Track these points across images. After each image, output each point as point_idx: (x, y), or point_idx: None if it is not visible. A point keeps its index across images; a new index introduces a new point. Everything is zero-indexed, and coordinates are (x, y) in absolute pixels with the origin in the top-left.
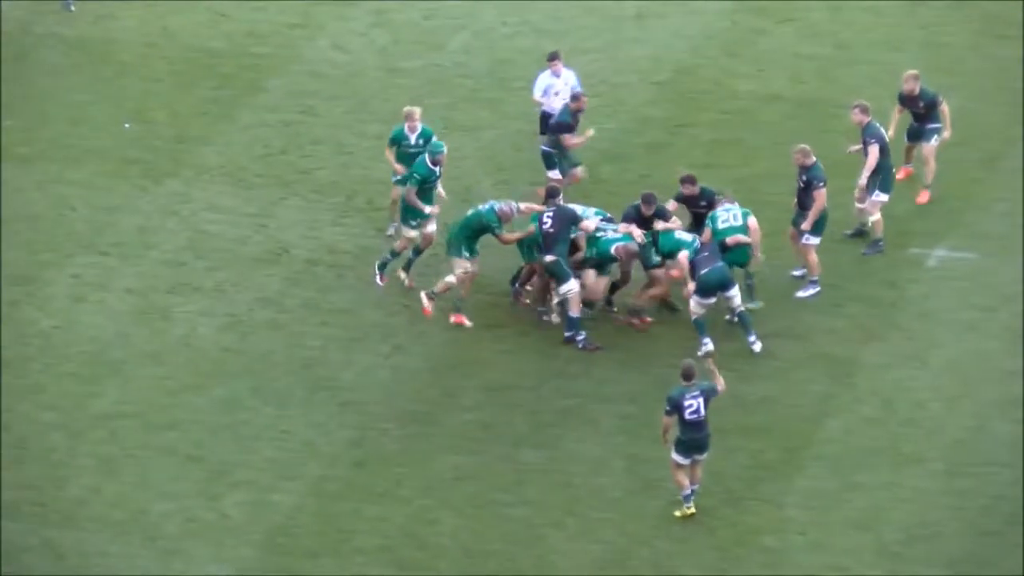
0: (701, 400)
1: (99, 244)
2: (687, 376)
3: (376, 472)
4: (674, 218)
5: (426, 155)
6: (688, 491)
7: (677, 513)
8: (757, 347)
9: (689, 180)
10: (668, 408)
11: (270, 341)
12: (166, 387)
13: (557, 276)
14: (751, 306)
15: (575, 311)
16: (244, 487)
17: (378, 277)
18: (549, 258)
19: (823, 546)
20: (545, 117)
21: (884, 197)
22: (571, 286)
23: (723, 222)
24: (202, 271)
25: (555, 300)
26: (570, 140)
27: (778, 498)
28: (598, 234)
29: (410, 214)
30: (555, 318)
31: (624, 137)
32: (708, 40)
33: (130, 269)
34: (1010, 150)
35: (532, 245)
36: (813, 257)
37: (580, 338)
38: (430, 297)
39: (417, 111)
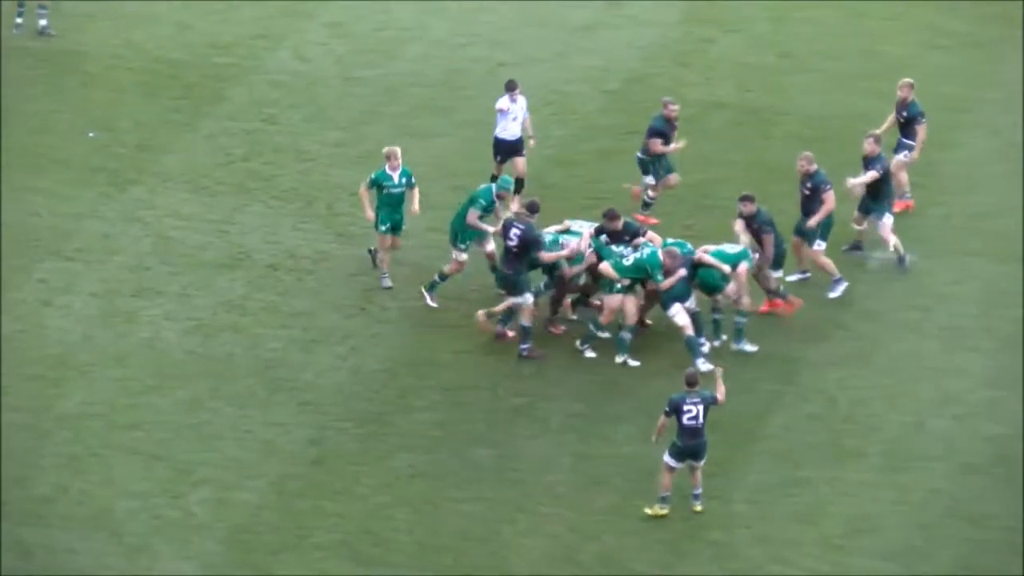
0: (701, 407)
1: (65, 250)
2: (690, 383)
3: (335, 470)
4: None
5: (493, 186)
6: (667, 493)
7: (648, 510)
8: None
9: (748, 199)
10: (667, 409)
11: (232, 343)
12: (130, 388)
13: (514, 287)
14: (748, 349)
15: (527, 320)
16: (207, 485)
17: (428, 298)
18: (507, 271)
19: (768, 539)
20: (498, 143)
21: (890, 218)
22: (526, 299)
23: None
24: (165, 276)
25: (501, 307)
26: (657, 147)
27: (725, 493)
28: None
29: (462, 237)
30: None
31: (574, 144)
32: (657, 50)
33: (95, 274)
34: (946, 156)
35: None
36: (824, 260)
37: (524, 346)
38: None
39: (398, 150)
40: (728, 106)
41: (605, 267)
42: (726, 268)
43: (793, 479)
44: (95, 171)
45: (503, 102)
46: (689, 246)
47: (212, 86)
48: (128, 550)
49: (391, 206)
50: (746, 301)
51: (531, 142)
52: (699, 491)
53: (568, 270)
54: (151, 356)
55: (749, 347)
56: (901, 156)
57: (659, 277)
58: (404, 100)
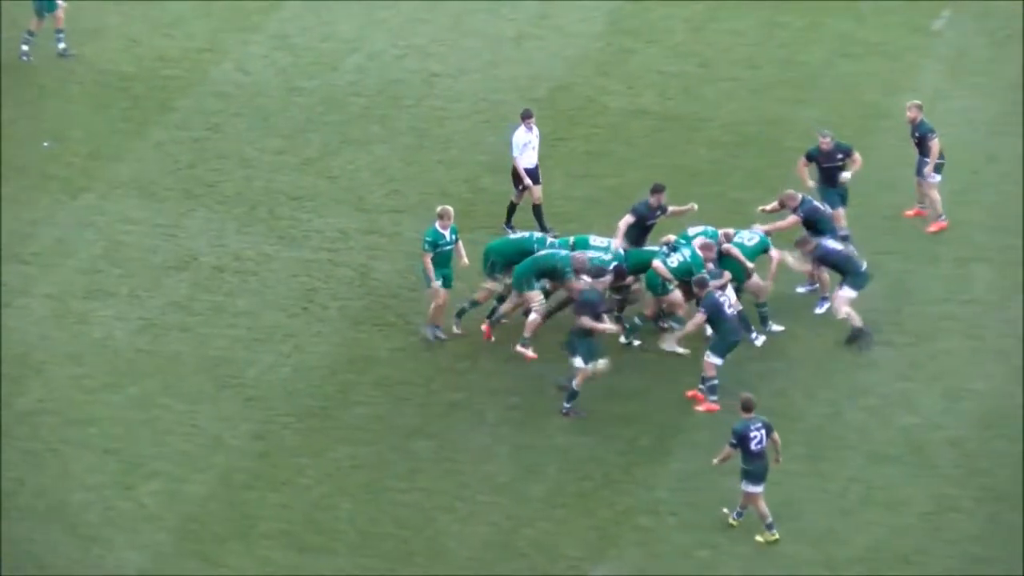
0: (763, 431)
1: (21, 254)
2: (747, 408)
3: (279, 463)
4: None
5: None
6: (770, 519)
7: (760, 539)
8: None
9: (790, 197)
10: (733, 441)
11: (180, 342)
12: (84, 386)
13: (569, 348)
14: (776, 329)
15: (578, 384)
16: (158, 478)
17: (455, 326)
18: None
19: (694, 525)
20: (518, 172)
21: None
22: (578, 363)
23: (739, 237)
24: (116, 278)
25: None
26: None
27: (651, 481)
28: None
29: (499, 268)
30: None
31: (505, 150)
32: (582, 60)
33: (50, 277)
34: (862, 158)
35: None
36: (825, 276)
37: (567, 405)
38: (525, 346)
39: (451, 210)
40: (650, 113)
41: (659, 265)
42: (750, 264)
43: (717, 467)
44: (49, 178)
45: (521, 135)
46: (711, 229)
47: (159, 97)
48: (83, 540)
49: (442, 263)
50: (766, 285)
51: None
52: (741, 511)
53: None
54: (104, 355)
55: (776, 327)
56: (928, 178)
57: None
58: (343, 109)
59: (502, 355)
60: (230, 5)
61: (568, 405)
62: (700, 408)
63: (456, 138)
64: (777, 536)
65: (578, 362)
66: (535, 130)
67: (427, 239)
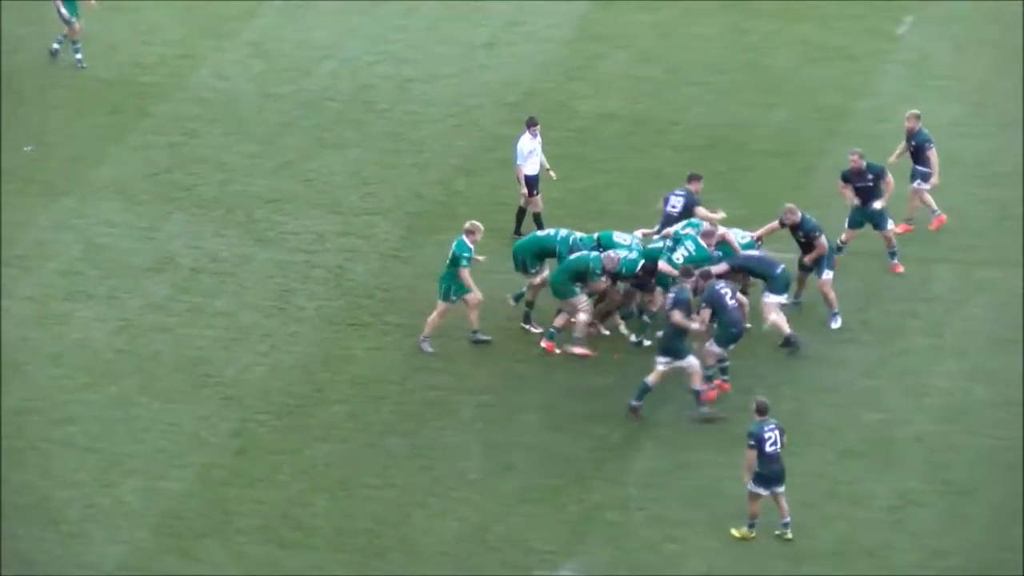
0: (777, 433)
1: (5, 256)
2: (762, 411)
3: (256, 460)
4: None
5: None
6: (756, 520)
7: (735, 532)
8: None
9: (790, 211)
10: (751, 443)
11: (158, 342)
12: (65, 385)
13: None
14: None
15: (698, 383)
16: (137, 475)
17: (532, 327)
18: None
19: (661, 520)
20: (527, 178)
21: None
22: (690, 363)
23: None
24: (96, 280)
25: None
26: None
27: (620, 477)
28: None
29: (532, 263)
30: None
31: (477, 154)
32: (552, 65)
33: (31, 279)
34: (823, 161)
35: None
36: (831, 294)
37: (704, 409)
38: (578, 344)
39: (481, 226)
40: (618, 117)
41: (665, 267)
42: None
43: (683, 463)
44: (31, 182)
45: (526, 142)
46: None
47: (138, 103)
48: (64, 536)
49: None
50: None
51: (552, 174)
52: (788, 520)
53: (605, 284)
54: (84, 355)
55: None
56: (915, 184)
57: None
58: (318, 114)
59: (475, 354)
60: (207, 13)
61: (702, 411)
62: (710, 394)
63: (430, 142)
64: (753, 535)
65: (691, 360)
66: (539, 137)
67: (465, 254)
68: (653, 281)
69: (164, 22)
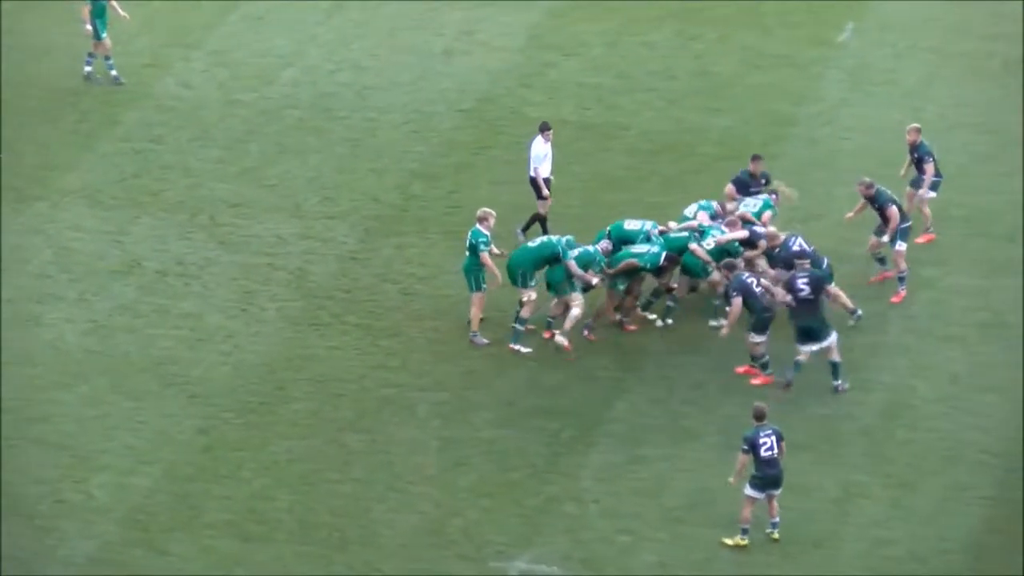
0: (774, 438)
1: None
2: (759, 416)
3: (221, 456)
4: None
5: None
6: (747, 525)
7: (728, 540)
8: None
9: (864, 184)
10: (745, 447)
11: (127, 343)
12: (37, 385)
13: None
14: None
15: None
16: (107, 471)
17: (559, 337)
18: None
19: (615, 512)
20: (535, 181)
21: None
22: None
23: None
24: (66, 282)
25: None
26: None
27: (575, 471)
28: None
29: (529, 278)
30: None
31: (434, 159)
32: (505, 73)
33: (5, 282)
34: (770, 165)
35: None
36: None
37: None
38: (560, 332)
39: (493, 213)
40: (570, 123)
41: (697, 248)
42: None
43: (636, 457)
44: (3, 189)
45: (539, 146)
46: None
47: (106, 111)
48: (38, 531)
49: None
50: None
51: (552, 178)
52: (776, 520)
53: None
54: (55, 355)
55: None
56: (920, 192)
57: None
58: (280, 121)
59: (431, 353)
60: (171, 24)
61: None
62: (756, 381)
63: (387, 147)
64: (746, 543)
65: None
66: (551, 142)
67: (483, 240)
68: (675, 267)
69: (130, 32)
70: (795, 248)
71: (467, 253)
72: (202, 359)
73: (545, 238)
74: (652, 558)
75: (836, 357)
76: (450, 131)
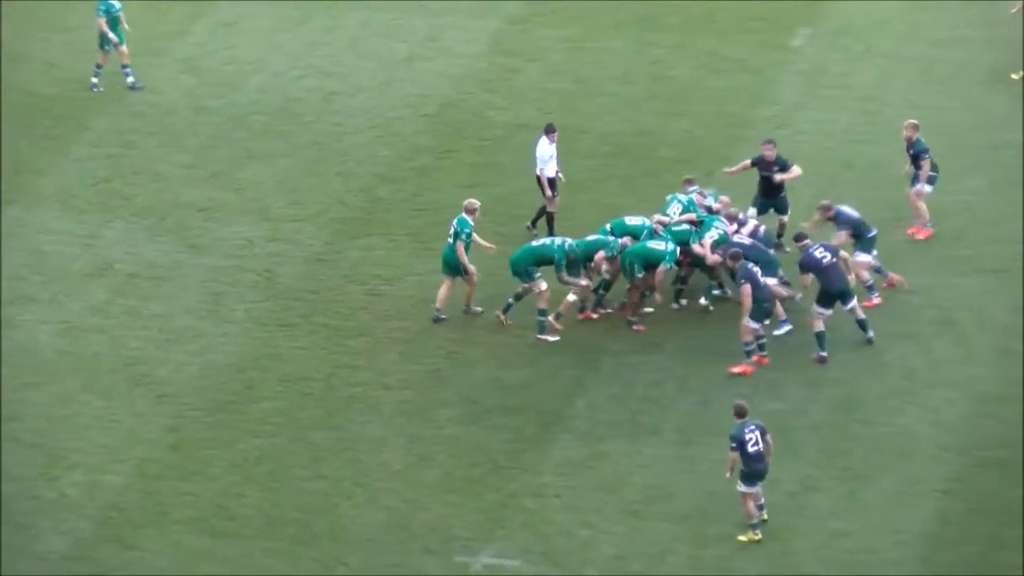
0: (758, 433)
1: None
2: (740, 414)
3: (190, 454)
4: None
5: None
6: (755, 520)
7: (743, 538)
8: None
9: (825, 210)
10: (733, 445)
11: (98, 344)
12: (10, 385)
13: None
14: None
15: (861, 315)
16: (78, 469)
17: (552, 329)
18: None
19: (575, 507)
20: (545, 180)
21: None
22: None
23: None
24: (39, 284)
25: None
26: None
27: (536, 467)
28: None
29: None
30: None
31: (398, 162)
32: (468, 78)
33: None
34: (727, 166)
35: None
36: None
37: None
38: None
39: (478, 204)
40: (531, 127)
41: (698, 248)
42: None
43: (596, 453)
44: None
45: (544, 147)
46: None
47: (78, 117)
48: (12, 528)
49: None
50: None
51: (561, 176)
52: (762, 502)
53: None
54: (28, 356)
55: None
56: (917, 187)
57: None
58: (247, 126)
59: (397, 353)
60: (141, 32)
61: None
62: (735, 370)
63: (353, 152)
64: (760, 537)
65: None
66: (555, 143)
67: (467, 230)
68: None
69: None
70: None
71: (449, 241)
72: (172, 359)
73: (548, 240)
74: (611, 551)
75: (861, 315)
76: (414, 135)
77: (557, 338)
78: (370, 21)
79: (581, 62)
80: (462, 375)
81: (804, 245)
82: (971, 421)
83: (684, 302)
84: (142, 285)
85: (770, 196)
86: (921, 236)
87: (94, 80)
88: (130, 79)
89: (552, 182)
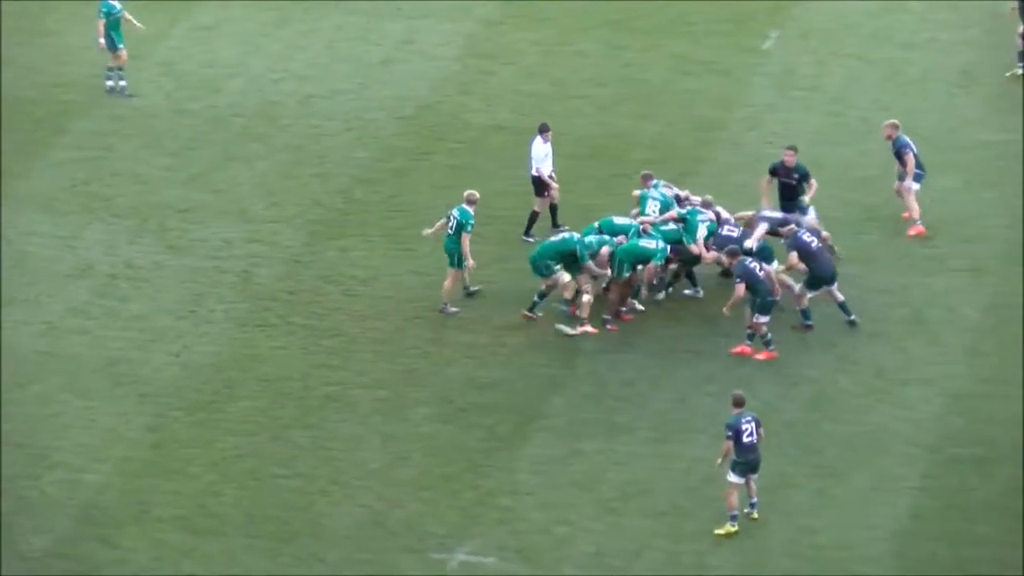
0: (753, 424)
1: None
2: (738, 403)
3: (170, 453)
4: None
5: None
6: (735, 512)
7: (720, 531)
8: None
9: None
10: (729, 434)
11: (79, 344)
12: None
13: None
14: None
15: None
16: (60, 468)
17: (566, 329)
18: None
19: (551, 504)
20: (538, 180)
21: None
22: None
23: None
24: (21, 285)
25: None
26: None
27: (511, 464)
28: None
29: (552, 266)
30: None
31: (375, 164)
32: (444, 81)
33: None
34: (698, 168)
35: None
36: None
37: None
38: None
39: (477, 194)
40: (507, 129)
41: (695, 247)
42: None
43: (571, 451)
44: None
45: (539, 146)
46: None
47: (59, 120)
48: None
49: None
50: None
51: (554, 179)
52: (755, 500)
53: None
54: (9, 356)
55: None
56: (904, 183)
57: None
58: (226, 128)
59: (373, 352)
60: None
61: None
62: (760, 357)
63: (330, 154)
64: (736, 529)
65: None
66: (550, 142)
67: (470, 221)
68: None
69: (80, 44)
70: (725, 234)
71: (450, 232)
72: (151, 359)
73: (567, 234)
74: (589, 548)
75: (840, 296)
76: (391, 137)
77: (577, 331)
78: (346, 25)
79: (555, 65)
80: (438, 374)
81: (790, 230)
82: (943, 418)
83: (662, 295)
84: (122, 286)
85: (789, 200)
86: (912, 233)
87: (108, 84)
88: (109, 83)
89: (546, 182)
